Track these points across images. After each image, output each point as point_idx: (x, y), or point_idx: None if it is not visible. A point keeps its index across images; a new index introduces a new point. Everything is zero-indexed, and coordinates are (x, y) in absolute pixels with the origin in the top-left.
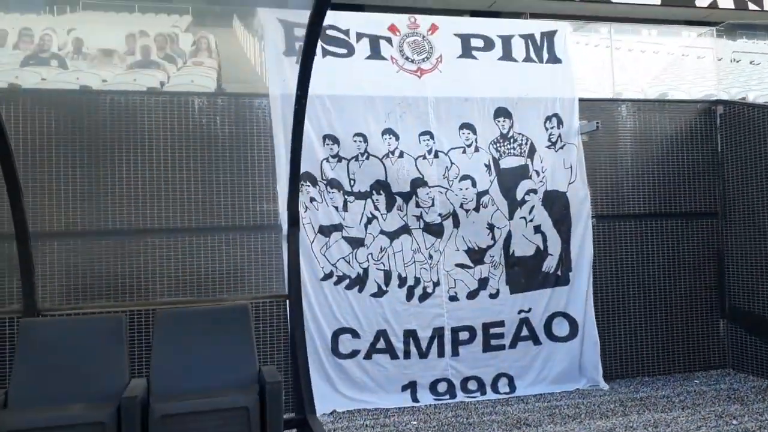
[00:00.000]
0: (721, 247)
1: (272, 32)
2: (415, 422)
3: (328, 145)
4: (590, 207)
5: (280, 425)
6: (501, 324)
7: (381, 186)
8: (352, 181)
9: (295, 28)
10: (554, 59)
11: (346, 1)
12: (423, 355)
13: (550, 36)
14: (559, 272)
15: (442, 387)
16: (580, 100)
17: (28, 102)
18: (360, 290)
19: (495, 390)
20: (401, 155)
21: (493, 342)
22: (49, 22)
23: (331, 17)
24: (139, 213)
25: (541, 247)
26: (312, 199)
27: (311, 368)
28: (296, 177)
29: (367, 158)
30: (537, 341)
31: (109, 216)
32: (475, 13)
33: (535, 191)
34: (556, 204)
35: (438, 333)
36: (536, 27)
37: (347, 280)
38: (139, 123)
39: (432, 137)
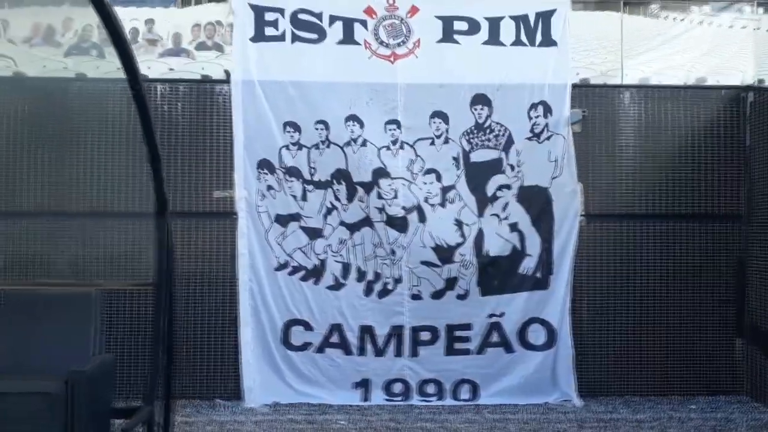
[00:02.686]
0: (744, 255)
1: (242, 17)
2: (343, 422)
3: (288, 132)
4: (579, 205)
5: (84, 414)
6: (468, 327)
7: (342, 175)
8: (312, 170)
9: (266, 12)
10: (548, 42)
11: None
12: (379, 353)
13: (546, 16)
14: (538, 275)
15: (397, 388)
16: (575, 86)
17: None
18: (316, 282)
19: (455, 396)
20: (364, 144)
21: (458, 345)
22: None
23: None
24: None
25: (518, 246)
26: (269, 187)
27: (260, 358)
28: (157, 160)
29: (328, 146)
30: (509, 348)
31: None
32: None
33: (508, 187)
34: (536, 200)
35: (397, 331)
36: (531, 6)
37: (303, 271)
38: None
39: (399, 126)
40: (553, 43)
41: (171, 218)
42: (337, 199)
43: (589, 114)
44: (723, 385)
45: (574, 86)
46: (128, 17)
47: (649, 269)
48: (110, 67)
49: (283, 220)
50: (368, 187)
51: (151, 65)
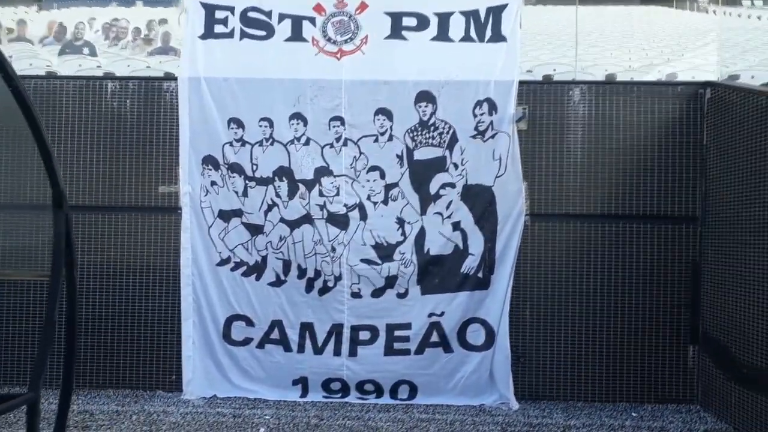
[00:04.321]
0: (698, 258)
1: (193, 14)
2: (268, 416)
3: (232, 128)
4: (524, 204)
5: None
6: (408, 326)
7: (284, 172)
8: (254, 167)
9: (216, 10)
10: (498, 37)
11: None
12: (318, 350)
13: (497, 11)
14: (480, 274)
15: (335, 386)
16: (522, 83)
17: None
18: (257, 278)
19: (393, 395)
20: (307, 142)
21: (398, 345)
22: None
23: None
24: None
25: (461, 245)
26: (213, 183)
27: (201, 351)
28: (47, 155)
29: (272, 143)
30: (448, 348)
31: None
32: None
33: (452, 185)
34: (479, 199)
35: (336, 330)
36: (481, 2)
37: (244, 267)
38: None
39: (343, 123)
40: (502, 39)
41: (94, 211)
42: (278, 195)
43: (537, 111)
44: (673, 393)
45: (522, 83)
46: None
47: (598, 271)
48: None
49: (225, 215)
50: (310, 184)
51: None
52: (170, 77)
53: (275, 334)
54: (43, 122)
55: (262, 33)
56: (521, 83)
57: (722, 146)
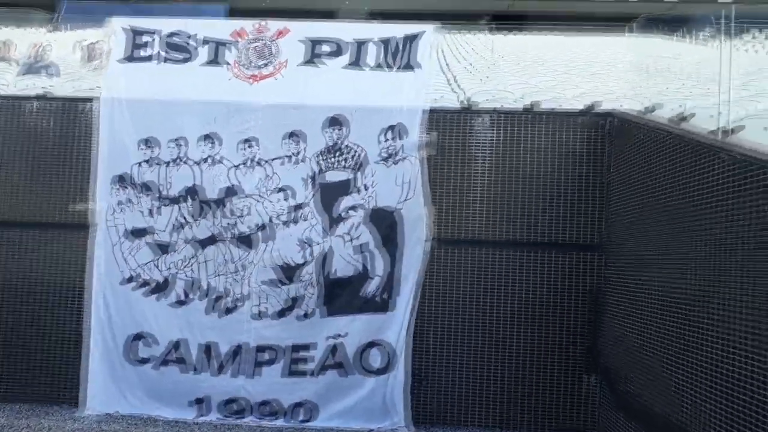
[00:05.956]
0: (598, 287)
1: (117, 38)
2: None
3: (142, 149)
4: (427, 229)
5: None
6: (309, 348)
7: (193, 192)
8: (165, 186)
9: (140, 35)
10: (410, 65)
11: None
12: (219, 371)
13: (412, 39)
14: (383, 297)
15: (235, 406)
16: (432, 110)
17: None
18: (162, 297)
19: (294, 417)
20: (219, 161)
21: (298, 367)
22: None
23: (182, 24)
24: None
25: (365, 268)
26: (120, 202)
27: (103, 368)
28: None
29: (183, 163)
30: (348, 371)
31: None
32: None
33: (358, 208)
34: (385, 223)
35: (238, 350)
36: (399, 30)
37: (149, 286)
38: None
39: (254, 145)
40: (415, 67)
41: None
42: (188, 214)
43: (445, 138)
44: (573, 422)
45: (431, 110)
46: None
47: (501, 298)
48: None
49: (133, 234)
50: (219, 204)
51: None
52: (90, 98)
53: (177, 354)
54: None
55: (183, 56)
56: (431, 110)
57: (623, 176)
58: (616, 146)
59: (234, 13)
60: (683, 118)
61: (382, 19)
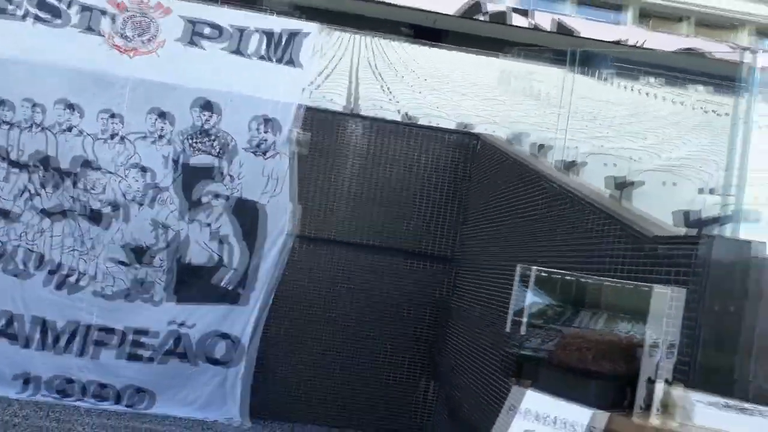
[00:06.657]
0: (447, 297)
1: None
2: None
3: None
4: (293, 225)
5: None
6: (155, 335)
7: (48, 162)
8: (18, 152)
9: None
10: (293, 62)
11: None
12: (52, 348)
13: (295, 36)
14: (239, 289)
15: (66, 386)
16: (309, 109)
17: None
18: (1, 267)
19: (129, 402)
20: (80, 133)
21: (140, 351)
22: None
23: None
24: None
25: (223, 258)
26: None
27: None
28: None
29: (41, 130)
30: (192, 360)
31: None
32: None
33: (224, 197)
34: (249, 215)
35: (76, 329)
36: (281, 24)
37: None
38: None
39: (118, 120)
40: (297, 64)
41: None
42: (41, 185)
43: (319, 139)
44: (406, 425)
45: (308, 108)
46: None
47: (354, 300)
48: None
49: None
50: (75, 177)
51: None
52: None
53: (8, 327)
54: None
55: (57, 21)
56: (307, 109)
57: (479, 195)
58: (477, 167)
59: None
60: (541, 147)
61: (306, 17)
